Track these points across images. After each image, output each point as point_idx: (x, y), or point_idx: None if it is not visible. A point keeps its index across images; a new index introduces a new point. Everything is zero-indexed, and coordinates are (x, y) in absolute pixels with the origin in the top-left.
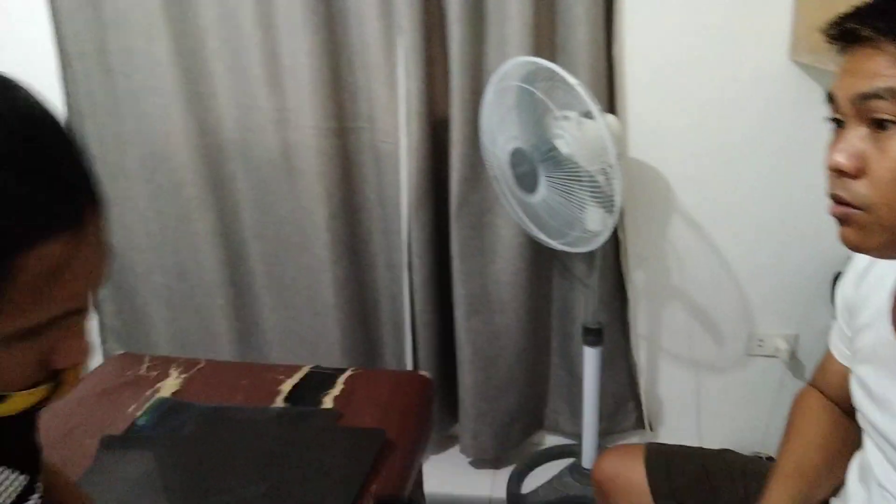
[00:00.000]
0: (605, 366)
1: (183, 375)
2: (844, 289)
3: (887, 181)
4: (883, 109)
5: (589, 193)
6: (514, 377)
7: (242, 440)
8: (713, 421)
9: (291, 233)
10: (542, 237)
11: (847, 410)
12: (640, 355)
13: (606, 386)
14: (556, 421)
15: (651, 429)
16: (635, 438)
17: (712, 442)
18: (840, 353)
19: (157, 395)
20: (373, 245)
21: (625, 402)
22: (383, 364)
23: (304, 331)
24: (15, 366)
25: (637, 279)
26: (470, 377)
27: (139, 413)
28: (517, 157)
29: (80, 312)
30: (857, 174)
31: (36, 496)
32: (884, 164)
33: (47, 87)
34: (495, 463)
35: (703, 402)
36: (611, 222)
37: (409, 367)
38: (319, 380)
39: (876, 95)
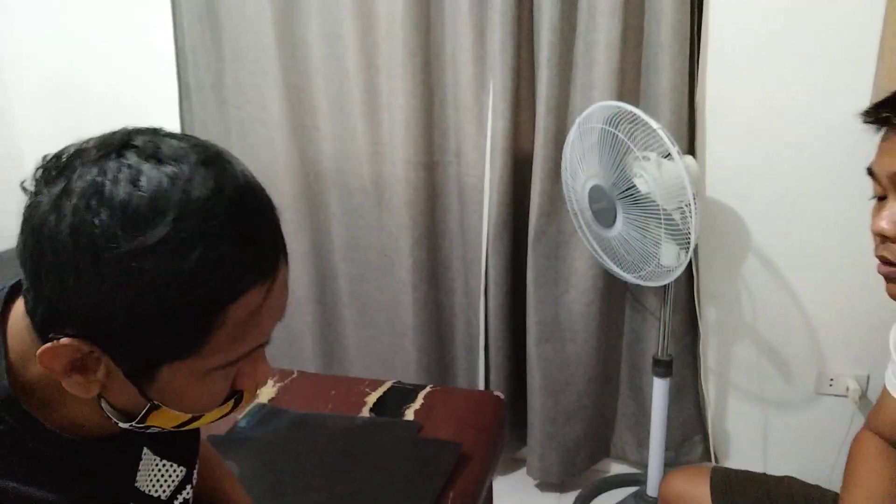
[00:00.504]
0: (674, 398)
1: (278, 385)
2: None
3: None
4: None
5: (665, 230)
6: (583, 404)
7: (332, 444)
8: (780, 458)
9: (377, 257)
10: (618, 270)
11: None
12: (710, 389)
13: (674, 418)
14: (622, 449)
15: (717, 461)
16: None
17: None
18: (895, 388)
19: (256, 402)
20: (452, 271)
21: (692, 434)
22: (456, 384)
23: (383, 349)
24: (211, 393)
25: (709, 315)
26: (539, 402)
27: (240, 417)
28: (595, 193)
29: (265, 345)
30: None
31: (190, 487)
32: None
33: (167, 116)
34: (561, 487)
35: (771, 439)
36: (685, 259)
37: (482, 388)
38: (401, 394)
39: None
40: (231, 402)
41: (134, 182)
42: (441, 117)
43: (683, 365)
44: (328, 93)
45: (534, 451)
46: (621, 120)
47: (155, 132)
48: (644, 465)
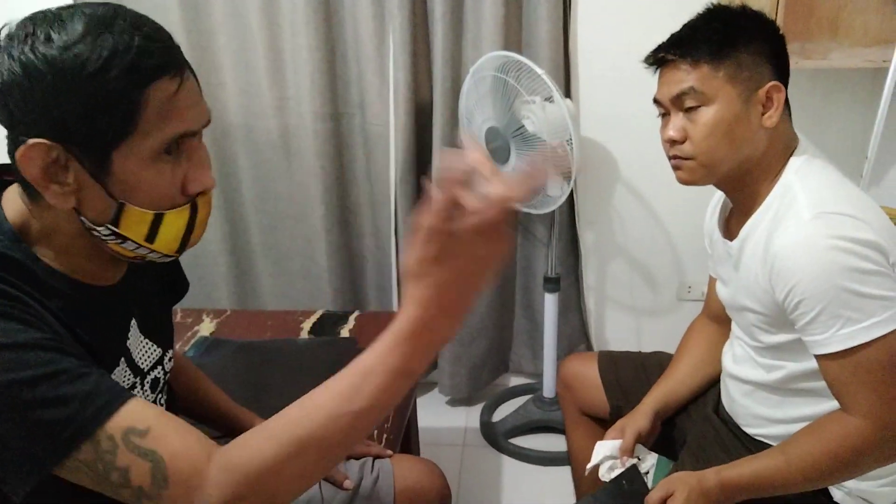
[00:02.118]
0: (561, 313)
1: (215, 320)
2: (705, 223)
3: (700, 139)
4: (689, 100)
5: (551, 164)
6: (485, 325)
7: (278, 363)
8: None
9: (287, 207)
10: None
11: (724, 325)
12: (591, 303)
13: (562, 331)
14: (519, 363)
15: None
16: None
17: None
18: (712, 270)
19: (199, 334)
20: (361, 217)
21: (577, 343)
22: None
23: (298, 295)
24: (164, 184)
25: (587, 238)
26: None
27: (186, 347)
28: (491, 134)
29: (195, 135)
30: (683, 140)
31: (161, 368)
32: (696, 129)
33: None
34: (468, 401)
35: (643, 341)
36: (568, 188)
37: None
38: (334, 319)
39: (683, 93)
40: (188, 207)
41: (55, 20)
42: (344, 70)
43: (568, 284)
44: (231, 50)
45: (444, 371)
46: (510, 68)
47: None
48: (538, 376)
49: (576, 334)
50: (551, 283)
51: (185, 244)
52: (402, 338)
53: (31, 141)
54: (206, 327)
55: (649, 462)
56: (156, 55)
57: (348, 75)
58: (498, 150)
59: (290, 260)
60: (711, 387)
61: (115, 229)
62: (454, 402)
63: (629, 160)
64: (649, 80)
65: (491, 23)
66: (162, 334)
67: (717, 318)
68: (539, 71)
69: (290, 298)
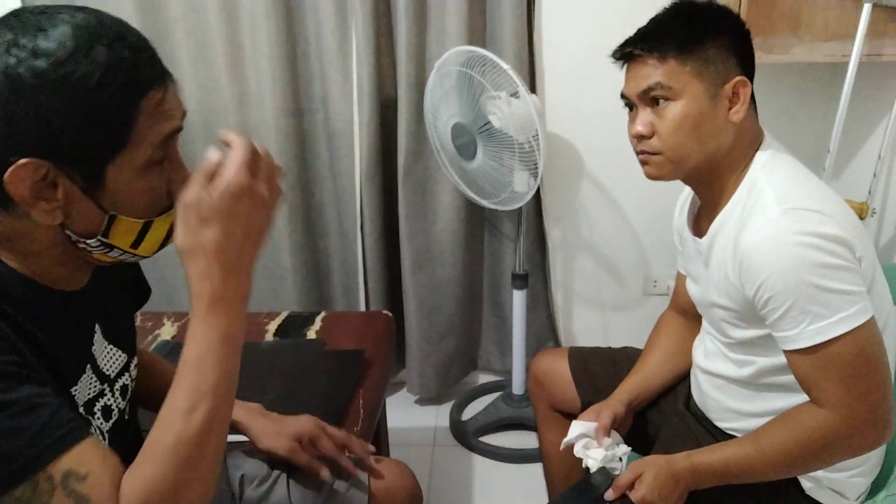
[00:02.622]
0: (529, 310)
1: (176, 324)
2: (674, 220)
3: (667, 134)
4: (657, 94)
5: (517, 160)
6: (453, 323)
7: (249, 365)
8: None
9: None
10: (477, 199)
11: (691, 318)
12: (558, 299)
13: (530, 327)
14: (487, 361)
15: None
16: None
17: None
18: (682, 267)
19: (160, 339)
20: (326, 215)
21: (545, 340)
22: None
23: (262, 296)
24: (154, 192)
25: (554, 234)
26: (416, 324)
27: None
28: (457, 130)
29: (177, 134)
30: (651, 135)
31: (128, 375)
32: (664, 124)
33: None
34: (437, 400)
35: (610, 336)
36: (535, 184)
37: None
38: (300, 320)
39: (650, 88)
40: (174, 212)
41: (37, 29)
42: (305, 66)
43: (536, 280)
44: (189, 46)
45: (413, 370)
46: (475, 63)
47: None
48: (507, 373)
49: (544, 330)
50: (519, 280)
51: (164, 245)
52: (205, 314)
53: (21, 161)
54: (167, 331)
55: (623, 449)
56: (147, 67)
57: (310, 71)
58: (464, 146)
59: None
60: (681, 381)
61: (105, 240)
62: (423, 402)
63: (595, 155)
64: (615, 75)
65: (455, 17)
66: (126, 340)
67: (685, 313)
68: (504, 66)
69: (253, 299)
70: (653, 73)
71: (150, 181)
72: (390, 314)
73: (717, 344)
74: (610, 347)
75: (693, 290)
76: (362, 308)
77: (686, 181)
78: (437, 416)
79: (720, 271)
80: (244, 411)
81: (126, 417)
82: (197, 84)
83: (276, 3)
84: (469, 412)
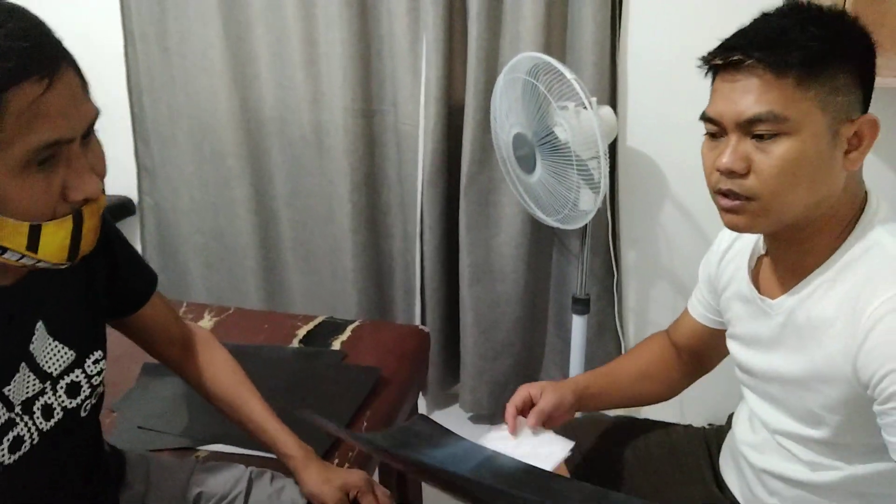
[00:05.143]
0: (595, 335)
1: (215, 318)
2: (708, 266)
3: (771, 176)
4: (764, 128)
5: (581, 177)
6: (511, 341)
7: (261, 372)
8: (694, 391)
9: (318, 203)
10: (539, 214)
11: (683, 356)
12: (629, 327)
13: (595, 355)
14: None
15: None
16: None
17: (691, 413)
18: (694, 309)
19: None
20: (391, 217)
21: None
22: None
23: (324, 293)
24: (37, 196)
25: (628, 258)
26: (471, 339)
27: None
28: (518, 140)
29: (70, 142)
30: (745, 172)
31: (80, 371)
32: (768, 163)
33: (112, 64)
34: (491, 419)
35: None
36: (597, 203)
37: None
38: (332, 327)
39: (757, 118)
40: (70, 218)
41: None
42: (378, 66)
43: (605, 304)
44: (268, 42)
45: (466, 386)
46: (542, 71)
47: None
48: None
49: (611, 359)
50: (580, 305)
51: (75, 252)
52: None
53: None
54: (203, 326)
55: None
56: (15, 56)
57: (382, 71)
58: (523, 158)
59: (319, 258)
60: (699, 442)
61: None
62: (476, 419)
63: (679, 174)
64: (704, 84)
65: (531, 22)
66: (78, 337)
67: (679, 348)
68: (569, 75)
69: (319, 297)
70: (763, 96)
71: (29, 186)
72: (426, 329)
73: (779, 437)
74: (601, 414)
75: (750, 358)
76: (418, 316)
77: (772, 235)
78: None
79: (815, 345)
80: (299, 450)
81: (82, 415)
82: (274, 81)
83: (350, 2)
84: None
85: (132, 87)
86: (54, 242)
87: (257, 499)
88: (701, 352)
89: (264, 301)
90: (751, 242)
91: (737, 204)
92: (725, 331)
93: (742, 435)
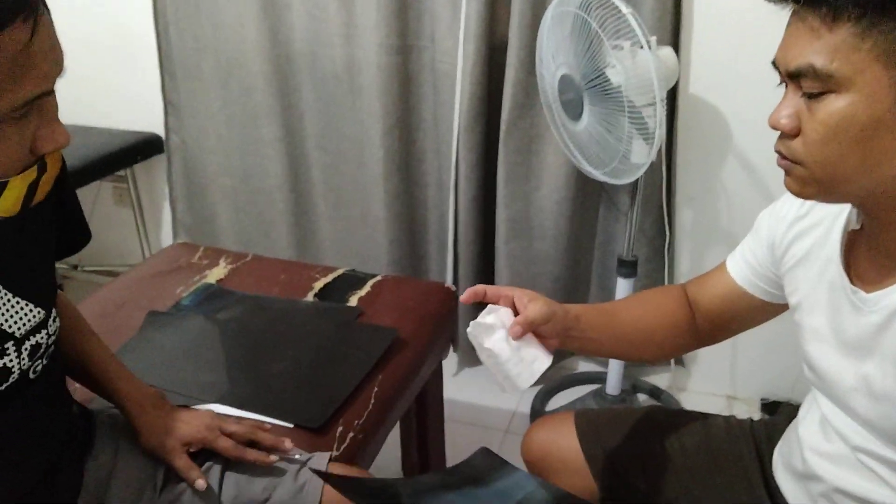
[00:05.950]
0: None
1: (230, 266)
2: (775, 226)
3: (814, 141)
4: (808, 84)
5: (634, 125)
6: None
7: (271, 326)
8: (747, 364)
9: (350, 147)
10: (584, 166)
11: (700, 319)
12: None
13: None
14: None
15: (683, 364)
16: (665, 374)
17: (744, 386)
18: (738, 270)
19: (203, 281)
20: (426, 164)
21: None
22: (428, 279)
23: (355, 241)
24: (9, 150)
25: (684, 217)
26: None
27: (185, 294)
28: (564, 83)
29: (49, 94)
30: (794, 133)
31: (45, 332)
32: (812, 125)
33: None
34: None
35: (739, 345)
36: (651, 156)
37: (450, 282)
38: (351, 281)
39: (799, 72)
40: (35, 169)
41: None
42: None
43: (655, 268)
44: None
45: None
46: (595, 4)
47: None
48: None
49: None
50: (626, 267)
51: (27, 204)
52: None
53: None
54: (216, 273)
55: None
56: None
57: (420, 4)
58: (569, 103)
59: (350, 205)
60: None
61: None
62: None
63: (746, 127)
64: (779, 30)
65: None
66: (42, 288)
67: (698, 309)
68: (625, 9)
69: (350, 247)
70: (807, 46)
71: (4, 139)
72: (453, 287)
73: (865, 457)
74: (629, 408)
75: (828, 359)
76: (450, 271)
77: (862, 208)
78: (520, 401)
79: None
80: (138, 392)
81: (31, 376)
82: (306, 11)
83: None
84: (555, 402)
85: (158, 19)
86: (12, 196)
87: (239, 467)
88: (725, 320)
89: (294, 248)
90: (837, 212)
91: (786, 164)
92: (767, 302)
93: (811, 441)
